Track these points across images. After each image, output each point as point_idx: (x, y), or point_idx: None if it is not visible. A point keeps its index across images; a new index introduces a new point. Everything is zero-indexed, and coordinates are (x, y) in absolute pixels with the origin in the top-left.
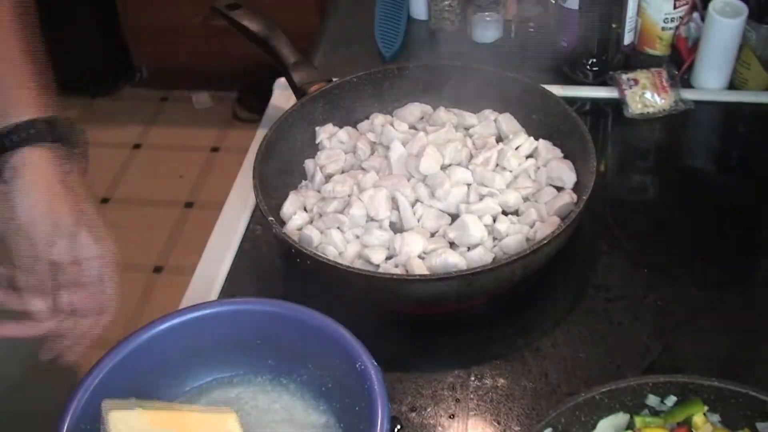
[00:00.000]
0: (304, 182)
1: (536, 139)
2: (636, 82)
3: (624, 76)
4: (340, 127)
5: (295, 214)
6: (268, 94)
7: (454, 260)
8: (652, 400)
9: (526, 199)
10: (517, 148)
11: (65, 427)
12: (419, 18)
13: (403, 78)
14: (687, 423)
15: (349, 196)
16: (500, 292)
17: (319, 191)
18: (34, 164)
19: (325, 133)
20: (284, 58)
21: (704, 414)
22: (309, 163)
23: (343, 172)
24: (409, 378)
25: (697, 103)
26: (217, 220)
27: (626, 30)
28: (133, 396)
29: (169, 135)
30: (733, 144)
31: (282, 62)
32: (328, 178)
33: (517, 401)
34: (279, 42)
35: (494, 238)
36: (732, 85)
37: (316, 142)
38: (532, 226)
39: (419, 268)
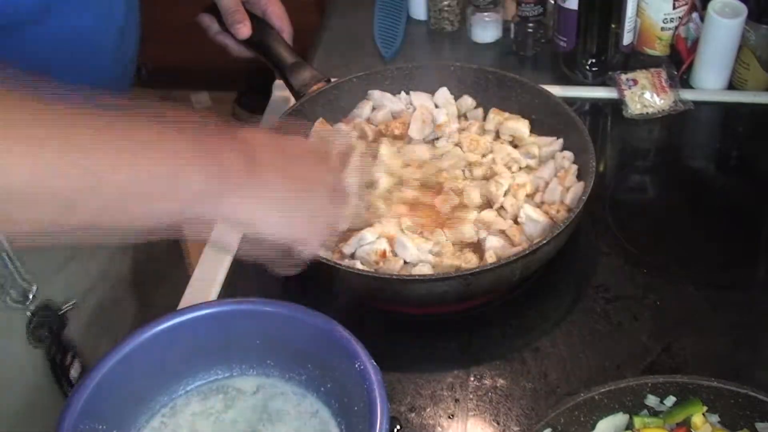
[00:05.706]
0: None
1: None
2: (635, 82)
3: (623, 77)
4: None
5: None
6: (267, 94)
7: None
8: (652, 400)
9: None
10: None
11: (65, 427)
12: (419, 18)
13: (403, 78)
14: (686, 423)
15: None
16: (500, 292)
17: None
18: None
19: None
20: (282, 61)
21: (703, 414)
22: None
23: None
24: (409, 378)
25: (697, 103)
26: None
27: (625, 30)
28: (131, 395)
29: None
30: (732, 144)
31: (279, 65)
32: None
33: (516, 401)
34: (275, 44)
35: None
36: (731, 86)
37: None
38: None
39: (418, 269)
